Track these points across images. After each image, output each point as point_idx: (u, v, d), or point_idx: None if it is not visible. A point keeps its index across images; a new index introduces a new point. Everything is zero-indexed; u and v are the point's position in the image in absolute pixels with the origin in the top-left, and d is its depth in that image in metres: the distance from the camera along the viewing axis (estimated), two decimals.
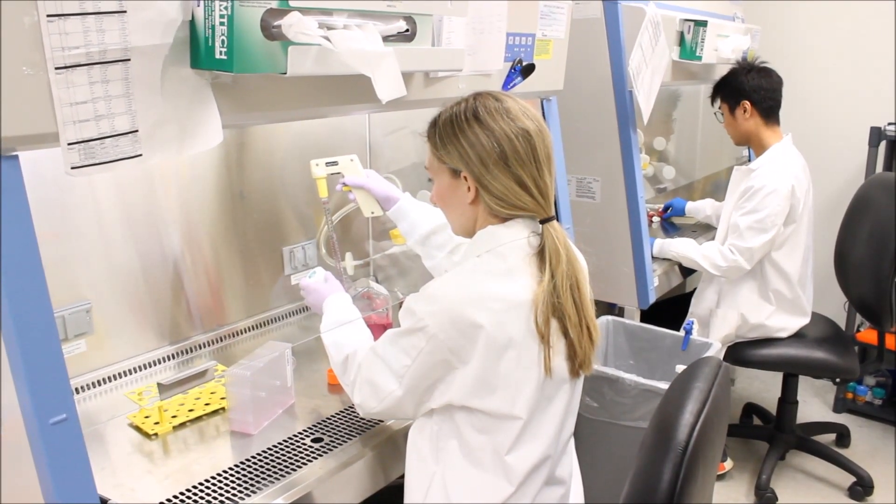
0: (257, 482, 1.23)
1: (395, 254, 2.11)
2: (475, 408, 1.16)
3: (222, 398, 1.48)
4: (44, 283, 0.93)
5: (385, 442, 1.38)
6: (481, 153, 1.16)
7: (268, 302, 1.88)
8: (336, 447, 1.34)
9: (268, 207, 1.84)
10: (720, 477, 2.79)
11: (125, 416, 1.43)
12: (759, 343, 2.58)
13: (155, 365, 1.61)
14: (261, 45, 1.02)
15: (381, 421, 1.42)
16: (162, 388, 1.44)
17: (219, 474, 1.25)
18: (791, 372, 2.73)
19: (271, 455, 1.31)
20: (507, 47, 1.64)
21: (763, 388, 3.53)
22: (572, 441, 1.34)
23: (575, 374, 1.21)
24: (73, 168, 0.94)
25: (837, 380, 3.35)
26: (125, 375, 1.55)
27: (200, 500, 1.18)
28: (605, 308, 2.57)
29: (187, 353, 1.67)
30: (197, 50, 1.03)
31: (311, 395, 1.56)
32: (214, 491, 1.21)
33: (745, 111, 2.50)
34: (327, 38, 1.06)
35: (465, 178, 1.19)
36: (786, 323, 2.55)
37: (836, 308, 3.17)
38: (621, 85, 2.33)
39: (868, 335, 3.01)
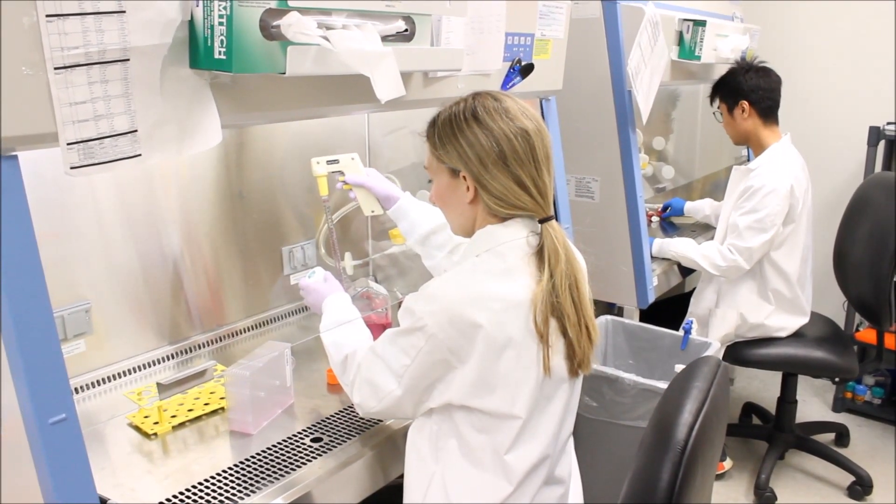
0: (257, 482, 1.23)
1: (394, 253, 2.12)
2: (474, 407, 1.16)
3: (222, 398, 1.48)
4: (43, 283, 0.93)
5: (384, 442, 1.38)
6: (480, 153, 1.16)
7: (267, 302, 1.88)
8: (335, 447, 1.34)
9: (267, 207, 1.84)
10: (719, 476, 2.79)
11: (125, 415, 1.43)
12: (759, 342, 2.58)
13: (154, 365, 1.61)
14: (260, 45, 1.01)
15: (381, 421, 1.42)
16: (161, 387, 1.44)
17: (218, 474, 1.25)
18: (790, 371, 2.73)
19: (271, 455, 1.32)
20: (506, 47, 1.64)
21: (762, 387, 3.53)
22: (571, 440, 1.34)
23: (574, 374, 1.21)
24: (72, 168, 0.94)
25: (836, 379, 3.32)
26: (124, 375, 1.55)
27: (200, 500, 1.18)
28: (605, 307, 2.57)
29: (187, 352, 1.67)
30: (196, 50, 1.03)
31: (311, 394, 1.56)
32: (214, 491, 1.21)
33: (743, 111, 2.50)
34: (326, 38, 1.06)
35: (465, 177, 1.19)
36: (785, 322, 2.55)
37: (836, 307, 3.17)
38: (620, 85, 2.33)
39: (867, 335, 3.02)
